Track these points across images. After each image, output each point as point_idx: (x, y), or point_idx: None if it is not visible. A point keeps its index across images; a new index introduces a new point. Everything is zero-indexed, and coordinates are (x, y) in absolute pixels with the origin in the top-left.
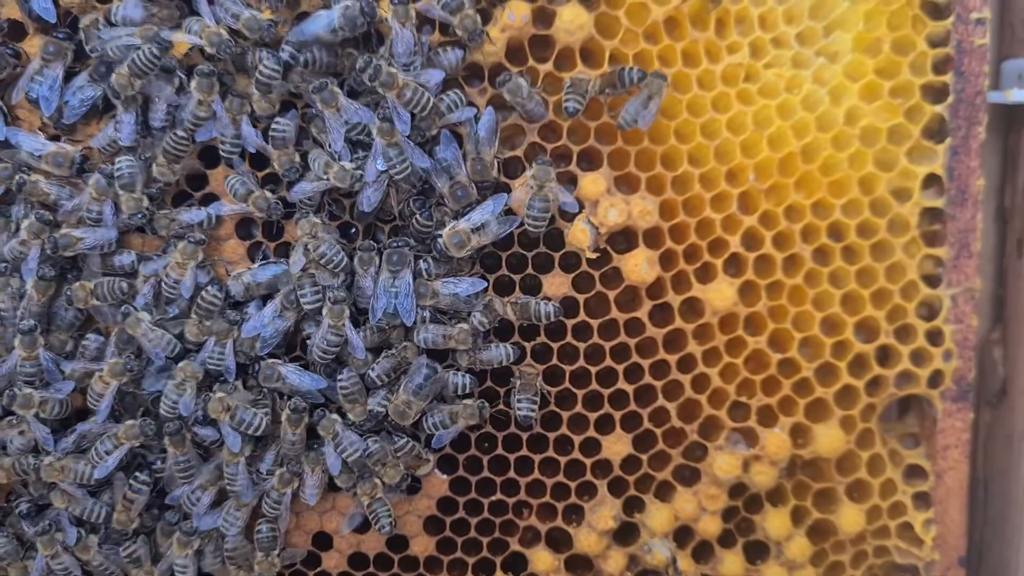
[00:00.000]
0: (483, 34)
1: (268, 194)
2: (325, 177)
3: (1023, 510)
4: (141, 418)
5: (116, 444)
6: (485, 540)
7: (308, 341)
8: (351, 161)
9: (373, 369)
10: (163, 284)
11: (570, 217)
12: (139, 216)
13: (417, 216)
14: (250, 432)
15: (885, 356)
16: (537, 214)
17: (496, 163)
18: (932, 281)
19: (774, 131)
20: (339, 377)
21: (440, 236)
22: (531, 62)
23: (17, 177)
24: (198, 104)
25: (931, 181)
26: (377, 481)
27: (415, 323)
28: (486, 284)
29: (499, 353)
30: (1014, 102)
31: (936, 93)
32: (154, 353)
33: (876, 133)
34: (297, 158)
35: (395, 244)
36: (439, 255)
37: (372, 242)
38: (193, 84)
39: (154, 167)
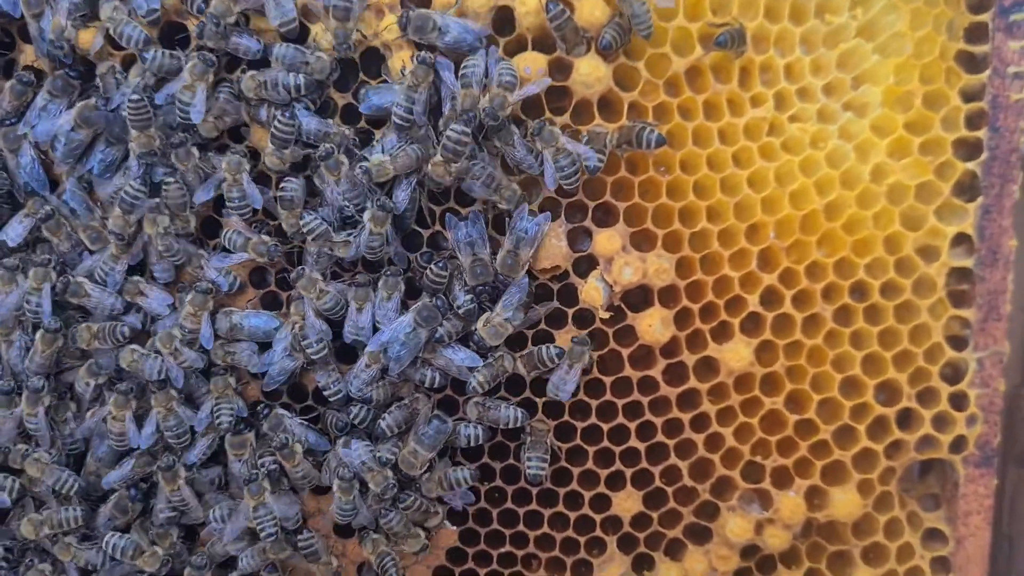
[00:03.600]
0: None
1: (266, 238)
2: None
3: None
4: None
5: None
6: None
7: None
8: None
9: (384, 419)
10: (181, 335)
11: (584, 274)
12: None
13: (432, 268)
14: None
15: (907, 419)
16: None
17: (527, 265)
18: (958, 343)
19: (797, 187)
20: (343, 450)
21: (476, 330)
22: (547, 112)
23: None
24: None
25: (960, 239)
26: (380, 536)
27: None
28: (482, 362)
29: (507, 415)
30: None
31: (969, 149)
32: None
33: (904, 191)
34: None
35: (437, 304)
36: (461, 317)
37: (367, 276)
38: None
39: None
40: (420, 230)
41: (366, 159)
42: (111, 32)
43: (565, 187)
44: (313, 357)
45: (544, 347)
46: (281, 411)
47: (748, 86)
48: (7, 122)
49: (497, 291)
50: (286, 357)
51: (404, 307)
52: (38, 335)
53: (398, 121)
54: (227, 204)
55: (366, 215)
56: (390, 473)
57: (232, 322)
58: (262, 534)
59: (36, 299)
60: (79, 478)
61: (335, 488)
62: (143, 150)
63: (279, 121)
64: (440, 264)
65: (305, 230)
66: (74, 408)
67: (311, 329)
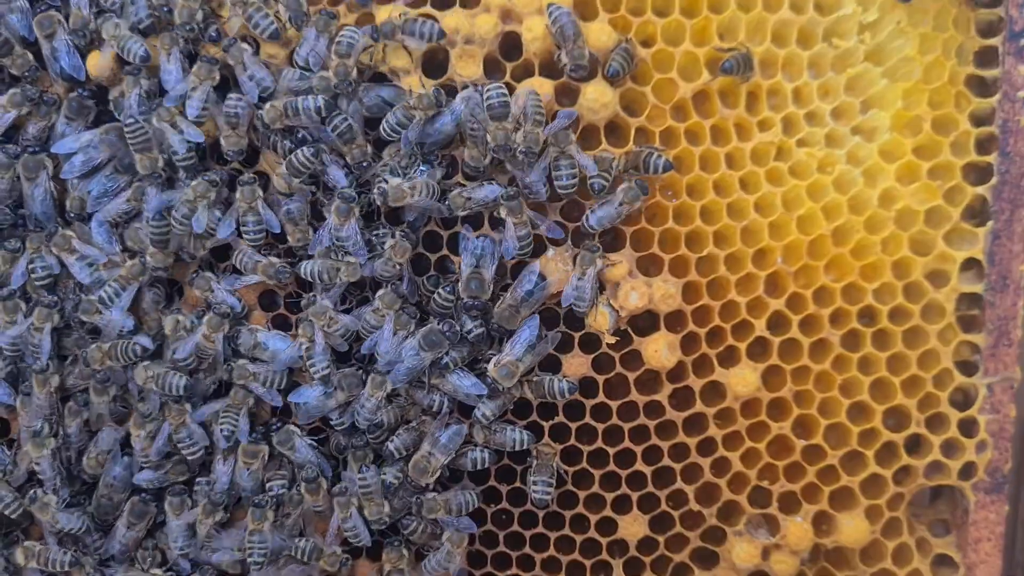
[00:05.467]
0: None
1: (274, 260)
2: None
3: None
4: None
5: None
6: None
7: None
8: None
9: (392, 442)
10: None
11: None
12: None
13: (439, 292)
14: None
15: (916, 445)
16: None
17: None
18: (968, 369)
19: (804, 212)
20: (359, 475)
21: (488, 372)
22: None
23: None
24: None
25: (970, 264)
26: (404, 551)
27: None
28: (486, 391)
29: (513, 437)
30: None
31: (979, 173)
32: None
33: (913, 215)
34: (311, 233)
35: (443, 328)
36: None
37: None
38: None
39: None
40: (428, 253)
41: (385, 181)
42: (117, 49)
43: (561, 193)
44: (317, 376)
45: (554, 380)
46: (292, 427)
47: (755, 111)
48: (30, 149)
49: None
50: (324, 397)
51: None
52: (32, 377)
53: (385, 132)
54: (242, 231)
55: (388, 242)
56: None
57: (256, 340)
58: (249, 559)
59: (38, 338)
60: (85, 516)
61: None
62: (146, 172)
63: (303, 155)
64: (448, 288)
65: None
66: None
67: (319, 355)
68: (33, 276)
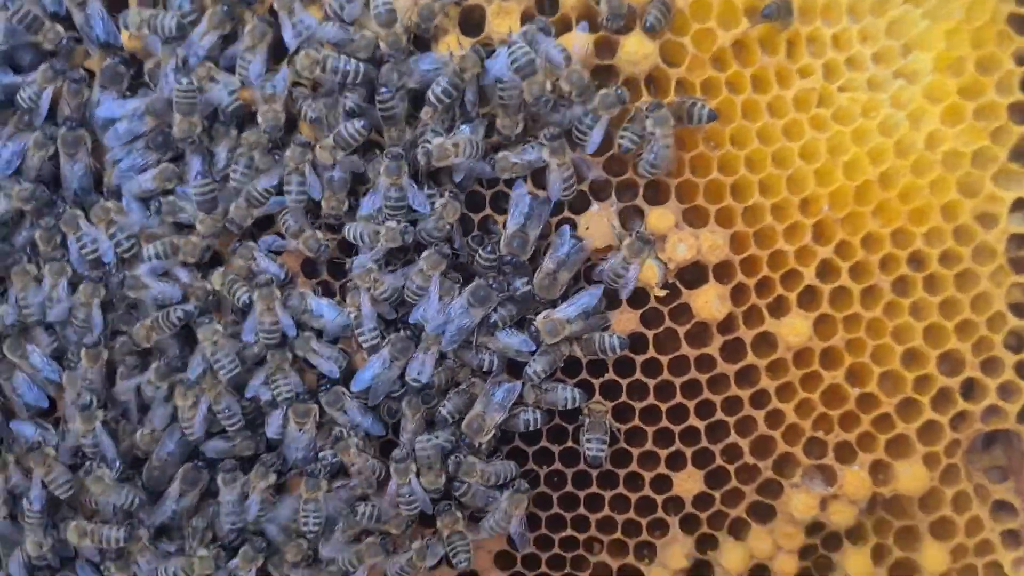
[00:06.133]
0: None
1: (319, 235)
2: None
3: None
4: None
5: None
6: (556, 575)
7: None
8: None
9: (444, 406)
10: (261, 335)
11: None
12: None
13: (480, 252)
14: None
15: (971, 390)
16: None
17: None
18: (1022, 311)
19: (849, 158)
20: (418, 440)
21: (533, 320)
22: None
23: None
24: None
25: (1020, 205)
26: (459, 514)
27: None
28: (535, 347)
29: (565, 396)
30: None
31: None
32: None
33: (959, 157)
34: (346, 204)
35: (490, 283)
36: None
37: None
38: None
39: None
40: (470, 214)
41: (429, 141)
42: (149, 29)
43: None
44: (365, 346)
45: (604, 336)
46: (341, 388)
47: (795, 58)
48: (69, 124)
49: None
50: (385, 369)
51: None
52: (82, 352)
53: (434, 100)
54: (285, 189)
55: (439, 202)
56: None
57: (307, 305)
58: (304, 528)
59: (85, 312)
60: (140, 491)
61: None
62: (183, 135)
63: (352, 127)
64: (488, 249)
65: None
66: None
67: (367, 319)
68: (83, 251)
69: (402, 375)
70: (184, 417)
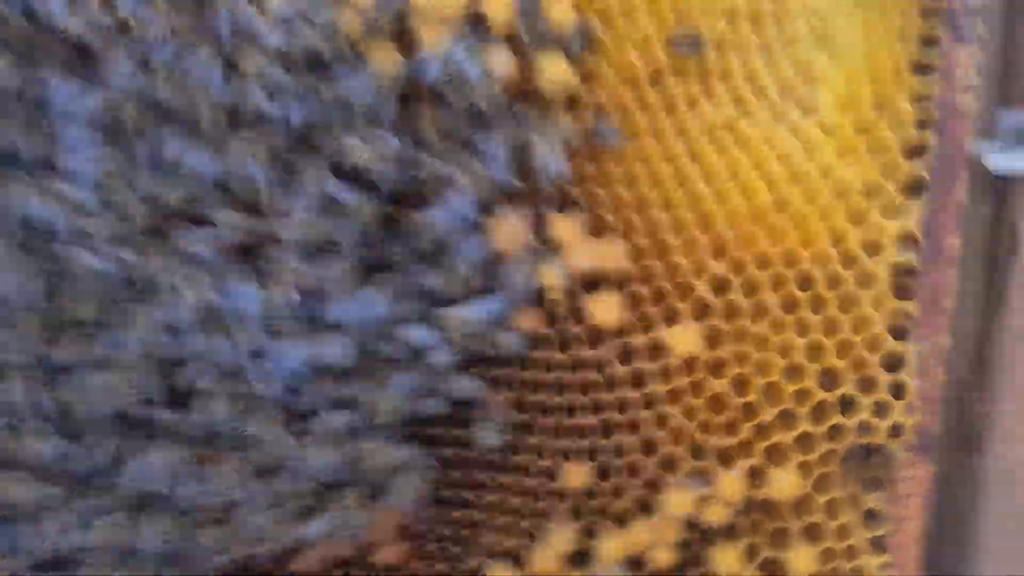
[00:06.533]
0: None
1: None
2: None
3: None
4: None
5: None
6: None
7: None
8: None
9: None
10: None
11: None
12: None
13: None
14: None
15: (848, 405)
16: None
17: None
18: (900, 334)
19: (747, 182)
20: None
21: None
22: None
23: None
24: None
25: (903, 236)
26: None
27: None
28: (438, 341)
29: (464, 385)
30: (1003, 169)
31: (916, 151)
32: None
33: (850, 187)
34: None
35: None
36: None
37: None
38: None
39: None
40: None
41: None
42: None
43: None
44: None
45: (505, 334)
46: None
47: (707, 87)
48: None
49: None
50: None
51: None
52: None
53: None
54: None
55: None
56: None
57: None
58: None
59: None
60: None
61: None
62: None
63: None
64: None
65: None
66: None
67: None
68: None
69: None
70: None
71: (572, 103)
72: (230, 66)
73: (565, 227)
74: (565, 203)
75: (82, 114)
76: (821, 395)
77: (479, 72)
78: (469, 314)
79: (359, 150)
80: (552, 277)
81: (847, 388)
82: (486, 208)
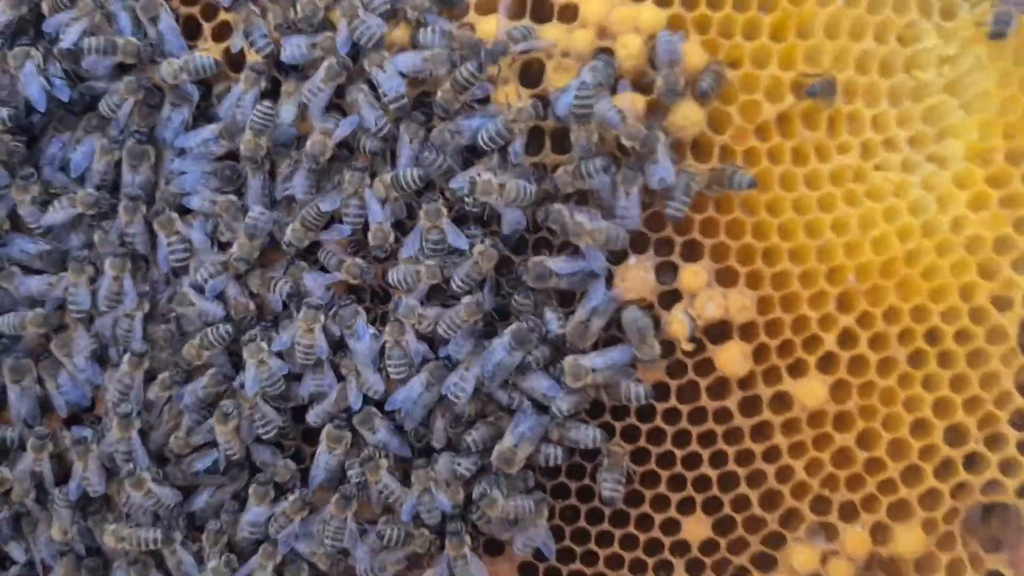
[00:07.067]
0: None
1: (360, 260)
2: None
3: None
4: None
5: None
6: None
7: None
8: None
9: (470, 435)
10: (298, 354)
11: (668, 307)
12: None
13: (516, 297)
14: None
15: (973, 462)
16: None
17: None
18: None
19: (878, 234)
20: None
21: (562, 363)
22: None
23: None
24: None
25: None
26: (467, 538)
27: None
28: (560, 394)
29: (588, 435)
30: None
31: None
32: None
33: (982, 242)
34: (392, 237)
35: (529, 325)
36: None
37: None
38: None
39: (288, 232)
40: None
41: (479, 174)
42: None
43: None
44: (395, 376)
45: (631, 384)
46: (372, 408)
47: (835, 135)
48: (137, 137)
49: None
50: (422, 392)
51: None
52: (125, 357)
53: (483, 143)
54: (343, 213)
55: (477, 248)
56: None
57: (355, 323)
58: (327, 541)
59: (128, 324)
60: (178, 493)
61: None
62: (250, 154)
63: (412, 175)
64: (523, 294)
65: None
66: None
67: (398, 356)
68: (171, 254)
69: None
70: (224, 441)
71: (701, 147)
72: None
73: (693, 276)
74: (694, 252)
75: None
76: (947, 451)
77: (614, 111)
78: (595, 363)
79: (489, 190)
80: (679, 326)
81: (974, 444)
82: (614, 256)
